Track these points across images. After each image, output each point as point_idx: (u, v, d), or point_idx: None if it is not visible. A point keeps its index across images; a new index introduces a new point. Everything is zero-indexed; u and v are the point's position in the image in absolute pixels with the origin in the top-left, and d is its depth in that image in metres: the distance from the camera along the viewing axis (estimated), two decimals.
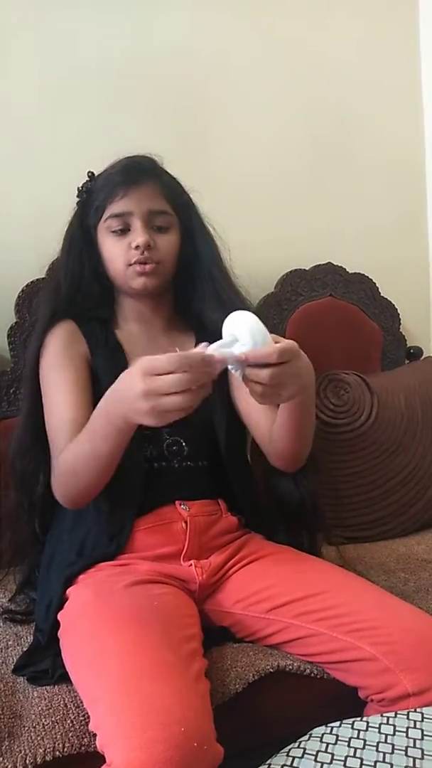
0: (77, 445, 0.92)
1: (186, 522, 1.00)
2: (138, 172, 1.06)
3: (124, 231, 1.05)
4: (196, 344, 1.10)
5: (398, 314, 1.73)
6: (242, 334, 0.74)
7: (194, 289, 1.13)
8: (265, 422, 1.01)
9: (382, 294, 1.71)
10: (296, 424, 0.94)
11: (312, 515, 1.14)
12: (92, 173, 1.11)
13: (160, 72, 1.53)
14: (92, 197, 1.09)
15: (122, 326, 1.14)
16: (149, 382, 0.72)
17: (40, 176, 1.42)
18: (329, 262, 1.65)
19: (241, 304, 1.10)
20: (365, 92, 1.76)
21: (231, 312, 1.05)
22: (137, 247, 1.03)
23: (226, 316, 1.08)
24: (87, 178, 1.11)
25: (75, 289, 1.11)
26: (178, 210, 1.09)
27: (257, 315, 0.78)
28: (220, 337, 0.79)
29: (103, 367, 1.05)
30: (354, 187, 1.76)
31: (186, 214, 1.11)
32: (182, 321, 1.16)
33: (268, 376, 0.74)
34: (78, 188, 1.12)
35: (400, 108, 1.82)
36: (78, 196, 1.12)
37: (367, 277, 1.69)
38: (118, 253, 1.05)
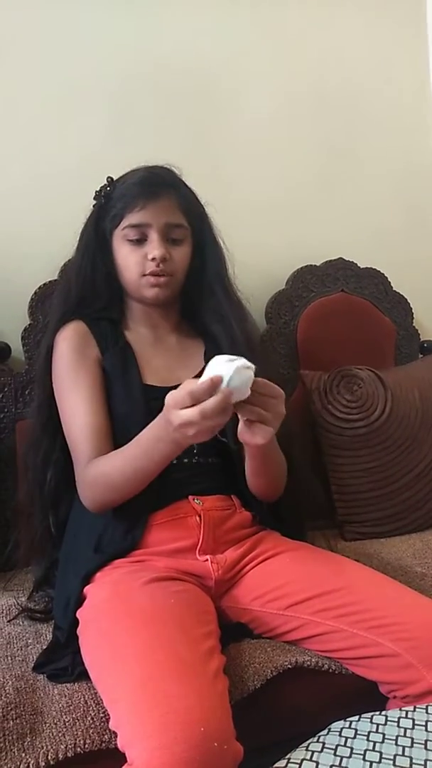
0: (119, 461, 0.96)
1: (200, 515, 1.01)
2: (157, 185, 1.08)
3: (141, 241, 1.07)
4: (205, 350, 1.13)
5: (411, 308, 1.72)
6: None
7: (199, 299, 1.16)
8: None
9: (394, 288, 1.70)
10: (259, 469, 1.02)
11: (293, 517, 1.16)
12: (111, 178, 1.12)
13: (168, 77, 1.53)
14: (110, 203, 1.10)
15: (132, 328, 1.15)
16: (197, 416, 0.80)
17: (51, 180, 1.43)
18: (340, 258, 1.64)
19: (240, 321, 1.14)
20: (374, 88, 1.76)
21: (228, 326, 1.12)
22: (153, 259, 1.05)
23: (224, 330, 1.11)
24: (105, 183, 1.12)
25: (86, 290, 1.13)
26: (192, 222, 1.11)
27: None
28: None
29: (113, 366, 1.07)
30: (363, 182, 1.76)
31: (199, 226, 1.13)
32: (189, 326, 1.19)
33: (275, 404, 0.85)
34: (96, 192, 1.13)
35: (408, 104, 1.82)
36: (95, 199, 1.13)
37: (379, 271, 1.68)
38: (134, 262, 1.07)
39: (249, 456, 1.00)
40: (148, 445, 0.92)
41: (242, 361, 0.81)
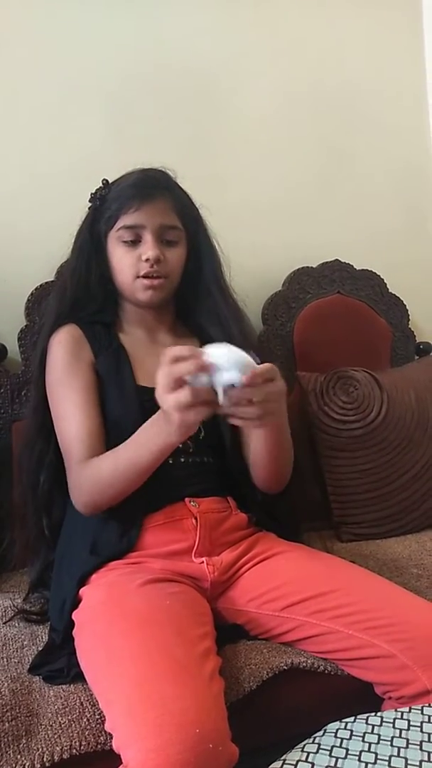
0: (113, 458, 0.96)
1: (196, 518, 1.01)
2: (152, 187, 1.08)
3: (135, 242, 1.07)
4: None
5: (407, 310, 1.73)
6: (228, 367, 0.80)
7: (195, 301, 1.17)
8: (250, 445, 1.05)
9: (390, 290, 1.70)
10: (273, 449, 1.01)
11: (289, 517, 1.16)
12: (106, 180, 1.13)
13: (168, 77, 1.53)
14: (105, 205, 1.11)
15: (126, 330, 1.16)
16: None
17: (49, 180, 1.43)
18: (336, 260, 1.64)
19: (237, 322, 1.14)
20: (372, 89, 1.76)
21: (226, 327, 1.12)
22: (147, 260, 1.06)
23: (222, 331, 1.11)
24: (101, 185, 1.13)
25: (81, 291, 1.14)
26: (186, 224, 1.12)
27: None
28: None
29: (106, 369, 1.08)
30: (360, 184, 1.76)
31: (194, 229, 1.14)
32: (184, 327, 1.19)
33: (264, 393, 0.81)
34: (91, 194, 1.13)
35: (405, 105, 1.82)
36: (90, 201, 1.14)
37: (375, 273, 1.68)
38: (128, 264, 1.08)
39: (258, 441, 1.00)
40: (145, 435, 0.92)
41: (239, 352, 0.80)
